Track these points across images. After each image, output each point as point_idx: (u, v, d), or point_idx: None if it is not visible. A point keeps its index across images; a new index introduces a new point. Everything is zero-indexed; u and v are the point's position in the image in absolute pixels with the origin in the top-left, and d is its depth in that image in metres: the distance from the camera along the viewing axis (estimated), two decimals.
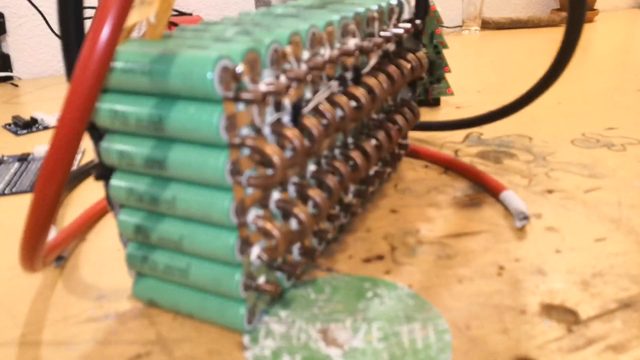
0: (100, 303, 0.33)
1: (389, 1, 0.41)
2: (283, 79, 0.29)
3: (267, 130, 0.28)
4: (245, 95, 0.25)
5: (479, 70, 0.94)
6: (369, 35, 0.39)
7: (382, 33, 0.39)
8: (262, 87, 0.27)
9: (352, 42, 0.36)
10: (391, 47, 0.41)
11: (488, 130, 0.60)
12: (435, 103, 0.70)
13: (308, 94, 0.32)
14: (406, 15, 0.44)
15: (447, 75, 0.69)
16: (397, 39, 0.41)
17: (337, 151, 0.37)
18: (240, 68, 0.25)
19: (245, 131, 0.27)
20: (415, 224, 0.41)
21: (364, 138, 0.41)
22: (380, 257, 0.37)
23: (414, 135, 0.59)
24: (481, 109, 0.69)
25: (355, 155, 0.37)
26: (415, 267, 0.35)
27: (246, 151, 0.27)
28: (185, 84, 0.25)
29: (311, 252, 0.33)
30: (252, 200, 0.28)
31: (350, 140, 0.39)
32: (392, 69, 0.39)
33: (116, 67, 0.26)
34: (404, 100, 0.47)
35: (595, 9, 1.38)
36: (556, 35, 1.23)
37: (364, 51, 0.36)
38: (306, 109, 0.30)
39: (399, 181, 0.48)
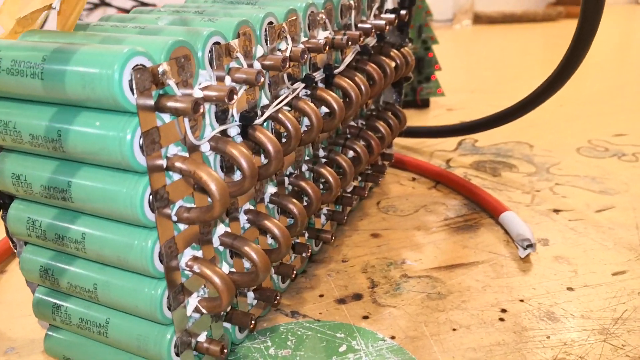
0: (8, 358, 0.27)
1: None
2: (228, 81, 0.22)
3: (206, 148, 0.22)
4: (170, 104, 0.19)
5: (471, 68, 0.88)
6: (344, 27, 0.32)
7: (360, 25, 0.33)
8: (197, 92, 0.20)
9: (321, 36, 0.29)
10: (371, 41, 0.35)
11: (483, 136, 0.53)
12: (424, 104, 0.64)
13: (264, 100, 0.25)
14: (389, 4, 0.38)
15: (437, 74, 0.63)
16: (379, 32, 0.34)
17: (305, 167, 0.31)
18: (163, 68, 0.19)
19: (174, 150, 0.20)
20: (400, 252, 0.34)
21: (338, 150, 0.35)
22: (357, 297, 0.30)
23: (400, 142, 0.53)
24: (475, 110, 0.62)
25: (327, 172, 0.30)
26: (400, 309, 0.29)
27: (177, 175, 0.21)
28: (86, 90, 0.18)
29: (271, 295, 0.27)
30: (187, 237, 0.21)
31: (321, 152, 0.32)
32: (371, 67, 0.33)
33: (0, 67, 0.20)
34: (388, 104, 0.41)
35: None
36: (553, 30, 1.17)
37: (336, 46, 0.29)
38: (260, 119, 0.24)
39: (383, 197, 0.42)
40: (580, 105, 0.63)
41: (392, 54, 0.36)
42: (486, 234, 0.36)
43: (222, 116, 0.22)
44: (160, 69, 0.19)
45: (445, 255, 0.34)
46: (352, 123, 0.37)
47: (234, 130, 0.23)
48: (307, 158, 0.31)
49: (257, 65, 0.24)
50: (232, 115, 0.23)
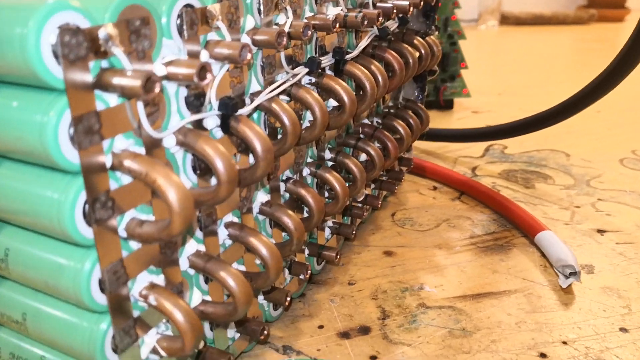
0: None
1: None
2: (205, 56, 0.17)
3: (170, 142, 0.16)
4: (115, 81, 0.14)
5: (498, 69, 0.82)
6: (359, 6, 0.27)
7: (379, 4, 0.28)
8: (157, 67, 0.15)
9: (332, 12, 0.24)
10: (392, 25, 0.29)
11: (513, 143, 0.48)
12: (447, 105, 0.58)
13: (256, 86, 0.20)
14: None
15: (463, 73, 0.57)
16: (401, 14, 0.29)
17: (306, 171, 0.25)
18: (106, 31, 0.14)
19: (123, 143, 0.15)
20: (417, 275, 0.29)
21: (348, 151, 0.29)
22: (364, 330, 0.25)
23: (420, 145, 0.48)
24: (503, 114, 0.57)
25: (333, 178, 0.25)
26: (416, 349, 0.24)
27: (127, 178, 0.15)
28: None
29: (256, 329, 0.21)
30: (142, 258, 0.16)
31: (327, 154, 0.27)
32: (391, 55, 0.28)
33: None
34: (409, 101, 0.35)
35: (626, 7, 1.26)
36: (584, 33, 1.11)
37: (349, 26, 0.24)
38: (247, 108, 0.19)
39: (399, 208, 0.37)
40: (621, 111, 0.57)
41: (415, 42, 0.31)
42: (519, 257, 0.31)
43: (195, 102, 0.17)
44: (101, 33, 0.14)
45: (471, 281, 0.29)
46: (366, 121, 0.31)
47: (211, 121, 0.18)
48: (309, 160, 0.26)
49: (245, 39, 0.19)
50: (210, 102, 0.18)
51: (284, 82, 0.21)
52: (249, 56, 0.17)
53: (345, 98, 0.23)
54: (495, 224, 0.35)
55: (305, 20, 0.21)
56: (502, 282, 0.29)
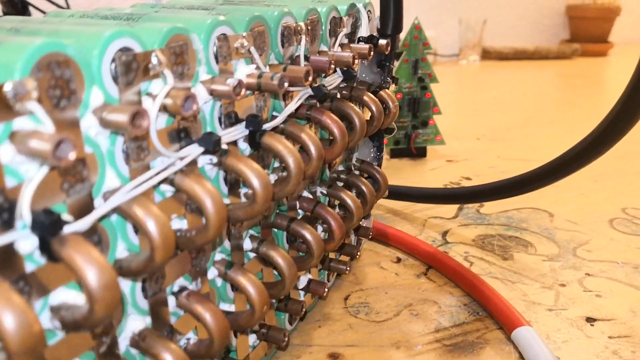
0: None
1: (333, 5, 0.25)
2: (7, 154, 0.12)
3: None
4: None
5: (478, 110, 0.77)
6: (290, 59, 0.22)
7: (314, 57, 0.22)
8: None
9: (242, 72, 0.19)
10: (334, 80, 0.24)
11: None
12: (420, 153, 0.53)
13: (114, 180, 0.15)
14: (365, 30, 0.28)
15: (437, 118, 0.52)
16: (344, 67, 0.24)
17: (212, 273, 0.20)
18: None
19: None
20: None
21: (280, 237, 0.24)
22: None
23: (386, 204, 0.42)
24: (481, 162, 0.52)
25: (247, 282, 0.19)
26: None
27: None
28: None
29: None
30: None
31: (247, 244, 0.22)
32: (330, 119, 0.22)
33: None
34: (363, 163, 0.30)
35: (609, 42, 1.23)
36: (567, 68, 1.08)
37: (265, 90, 0.19)
38: (81, 223, 0.13)
39: (354, 288, 0.31)
40: (608, 159, 0.52)
41: (365, 98, 0.26)
42: (493, 358, 0.25)
43: None
44: None
45: None
46: (306, 193, 0.26)
47: (27, 244, 0.12)
48: (218, 257, 0.20)
49: (90, 121, 0.13)
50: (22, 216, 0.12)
51: (158, 174, 0.15)
52: (70, 155, 0.12)
53: (255, 184, 0.18)
54: (465, 311, 0.29)
55: (200, 87, 0.16)
56: None
